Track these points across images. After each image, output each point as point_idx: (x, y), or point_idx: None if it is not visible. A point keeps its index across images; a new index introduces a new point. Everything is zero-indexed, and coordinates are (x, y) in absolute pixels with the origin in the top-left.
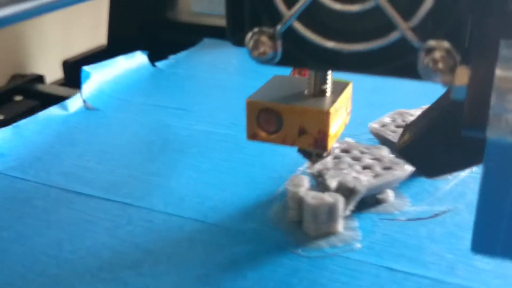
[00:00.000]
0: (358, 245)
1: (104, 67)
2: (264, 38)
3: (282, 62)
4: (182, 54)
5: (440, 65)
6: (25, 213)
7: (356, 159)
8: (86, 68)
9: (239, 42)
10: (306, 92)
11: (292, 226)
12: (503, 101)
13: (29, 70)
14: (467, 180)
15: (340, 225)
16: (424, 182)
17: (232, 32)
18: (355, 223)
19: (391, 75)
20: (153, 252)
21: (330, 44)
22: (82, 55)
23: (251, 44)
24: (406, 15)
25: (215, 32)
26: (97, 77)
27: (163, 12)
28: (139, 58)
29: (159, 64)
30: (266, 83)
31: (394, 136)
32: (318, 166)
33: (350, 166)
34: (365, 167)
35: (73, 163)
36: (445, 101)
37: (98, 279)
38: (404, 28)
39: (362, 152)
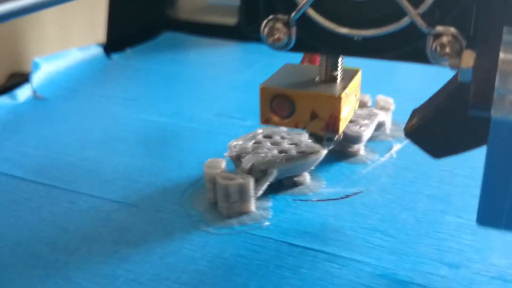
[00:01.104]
0: (267, 223)
1: (56, 58)
2: (279, 25)
3: (296, 48)
4: (140, 47)
5: (448, 49)
6: None
7: (276, 144)
8: (37, 59)
9: (252, 31)
10: (317, 78)
11: (209, 206)
12: (507, 82)
13: (27, 68)
14: (385, 165)
15: (253, 205)
16: (343, 166)
17: (247, 22)
18: (269, 203)
19: (401, 60)
20: (69, 230)
21: (343, 30)
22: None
23: (266, 30)
24: (415, 2)
25: (212, 31)
26: (48, 67)
27: (162, 10)
28: (93, 50)
29: (115, 56)
30: (278, 71)
31: None
32: (238, 150)
33: (269, 150)
34: (282, 151)
35: (12, 149)
36: (452, 85)
37: (14, 253)
38: (413, 15)
39: (283, 138)
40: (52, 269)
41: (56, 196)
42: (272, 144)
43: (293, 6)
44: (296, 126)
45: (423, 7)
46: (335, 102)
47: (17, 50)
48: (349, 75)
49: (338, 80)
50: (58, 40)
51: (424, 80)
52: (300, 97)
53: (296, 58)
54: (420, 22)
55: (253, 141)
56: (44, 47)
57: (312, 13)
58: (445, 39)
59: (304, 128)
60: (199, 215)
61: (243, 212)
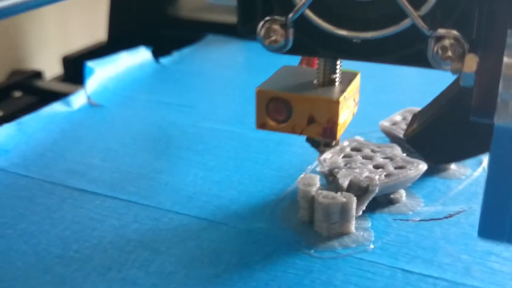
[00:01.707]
0: (371, 246)
1: (107, 63)
2: (276, 26)
3: (293, 50)
4: (186, 51)
5: (450, 53)
6: (28, 210)
7: (368, 158)
8: (90, 63)
9: (249, 32)
10: (315, 81)
11: (303, 226)
12: (511, 88)
13: (28, 66)
14: (480, 180)
15: (353, 226)
16: (436, 182)
17: (243, 23)
18: (368, 223)
19: (401, 63)
20: (160, 252)
21: (342, 32)
22: (82, 51)
23: (263, 32)
24: (416, 4)
25: (217, 29)
26: (101, 73)
27: (164, 8)
28: (142, 54)
29: (163, 60)
30: (275, 73)
31: None
32: (329, 165)
33: (362, 165)
34: (377, 166)
35: (77, 160)
36: (454, 89)
37: (105, 278)
38: (414, 17)
39: (374, 151)
40: None
41: (138, 213)
42: (364, 158)
43: (291, 7)
44: (292, 131)
45: (425, 9)
46: (333, 106)
47: (17, 47)
48: (348, 78)
49: (337, 84)
50: (58, 38)
51: None
52: (297, 101)
53: None
54: (421, 24)
55: (342, 155)
56: (44, 45)
57: (310, 14)
58: (447, 42)
59: (301, 133)
60: (295, 236)
61: (343, 233)
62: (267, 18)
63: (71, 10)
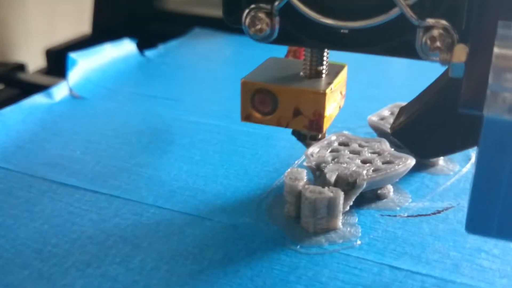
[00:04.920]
0: (358, 242)
1: (90, 55)
2: (261, 15)
3: (279, 40)
4: (172, 44)
5: (438, 43)
6: (7, 203)
7: (356, 152)
8: (72, 55)
9: (235, 22)
10: (301, 73)
11: (289, 221)
12: (501, 79)
13: (11, 58)
14: (468, 176)
15: (340, 221)
16: (424, 177)
17: (228, 11)
18: (355, 219)
19: (389, 54)
20: (142, 247)
21: (328, 21)
22: (66, 43)
23: (247, 21)
24: None
25: (204, 22)
26: (84, 64)
27: (150, 1)
28: (127, 46)
29: (148, 53)
30: (261, 65)
31: None
32: (316, 159)
33: (350, 159)
34: (365, 161)
35: (58, 153)
36: (442, 81)
37: (84, 274)
38: (402, 5)
39: (362, 146)
40: None
41: (119, 208)
42: (352, 152)
43: None
44: (278, 123)
45: None
46: (320, 98)
47: (0, 40)
48: (335, 70)
49: (324, 76)
50: (42, 30)
51: None
52: (283, 93)
53: None
54: (409, 14)
55: (330, 149)
56: (28, 37)
57: (296, 2)
58: (435, 32)
59: (286, 126)
60: (281, 231)
61: (330, 229)
62: (252, 6)
63: (56, 2)
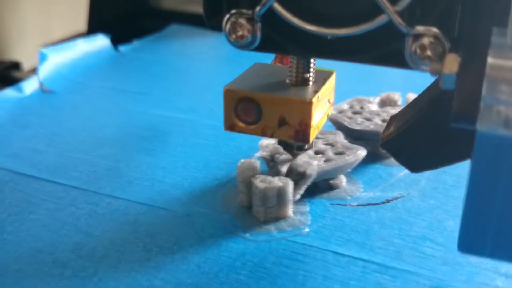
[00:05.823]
0: (307, 229)
1: (62, 50)
2: (242, 21)
3: (262, 47)
4: (147, 39)
5: (429, 52)
6: None
7: None
8: (44, 50)
9: (216, 26)
10: (287, 81)
11: (242, 210)
12: (495, 91)
13: (6, 56)
14: None
15: (290, 210)
16: (378, 168)
17: (209, 16)
18: (306, 208)
19: (377, 63)
20: (94, 235)
21: (312, 28)
22: (61, 42)
23: (228, 27)
24: None
25: (200, 20)
26: (55, 59)
27: None
28: (100, 41)
29: (122, 48)
30: (246, 71)
31: (350, 122)
32: (270, 150)
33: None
34: (317, 152)
35: (22, 145)
36: (433, 91)
37: (36, 259)
38: (391, 12)
39: (317, 138)
40: (81, 279)
41: (76, 197)
42: None
43: None
44: (262, 133)
45: (402, 4)
46: (306, 107)
47: None
48: (322, 77)
49: (310, 83)
50: (37, 28)
51: None
52: (267, 102)
53: None
54: (398, 21)
55: None
56: (23, 36)
57: (279, 8)
58: (426, 41)
59: (271, 136)
60: (233, 220)
61: (280, 217)
62: (233, 11)
63: (51, 0)
